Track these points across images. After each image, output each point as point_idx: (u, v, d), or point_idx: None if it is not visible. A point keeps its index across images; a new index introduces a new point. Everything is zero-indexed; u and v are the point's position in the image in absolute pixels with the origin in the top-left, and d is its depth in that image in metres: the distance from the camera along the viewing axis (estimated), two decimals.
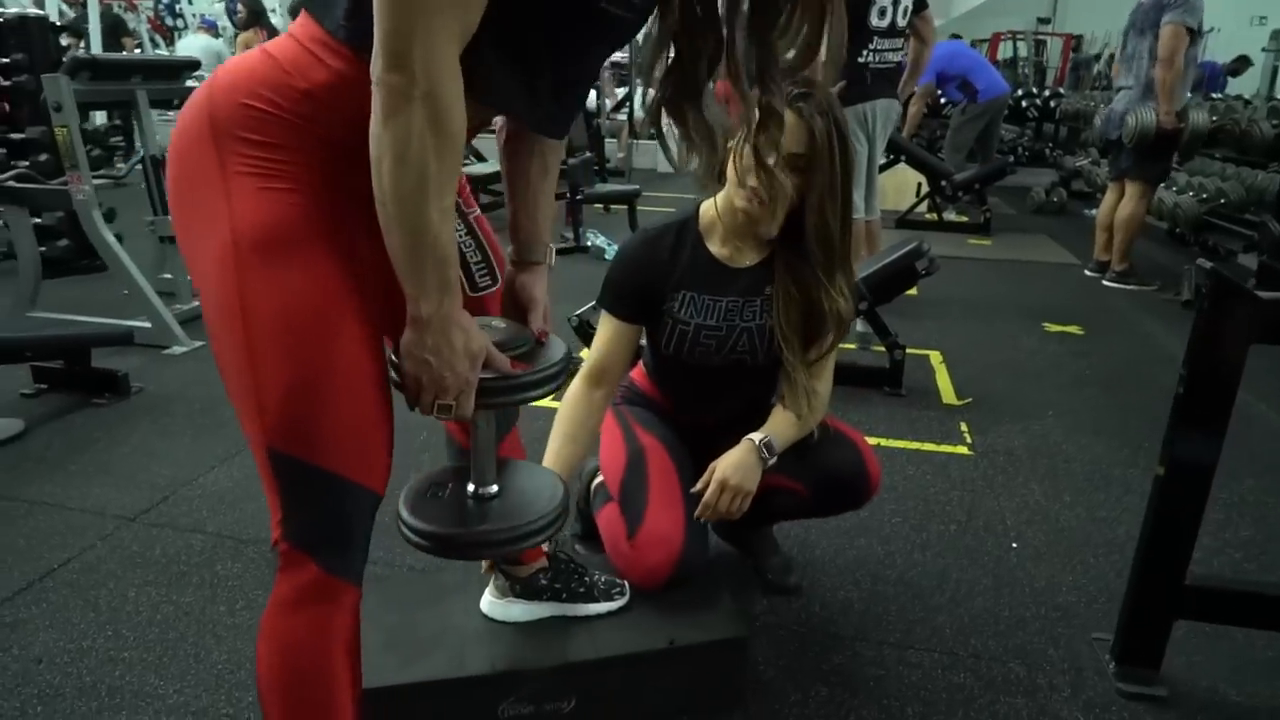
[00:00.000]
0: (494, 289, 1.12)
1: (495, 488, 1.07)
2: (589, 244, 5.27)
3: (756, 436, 1.56)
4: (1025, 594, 1.87)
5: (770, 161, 1.35)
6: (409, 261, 0.81)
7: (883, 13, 3.66)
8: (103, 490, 2.21)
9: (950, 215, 6.35)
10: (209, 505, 2.16)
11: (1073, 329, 3.90)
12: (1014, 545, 2.07)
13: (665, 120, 0.98)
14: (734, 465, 1.55)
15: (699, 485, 1.57)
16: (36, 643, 1.63)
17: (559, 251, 5.22)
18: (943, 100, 7.75)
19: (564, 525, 1.07)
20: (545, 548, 1.52)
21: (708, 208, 1.62)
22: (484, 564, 1.51)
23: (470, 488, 1.07)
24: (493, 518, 1.04)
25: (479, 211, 1.16)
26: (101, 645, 1.63)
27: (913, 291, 4.46)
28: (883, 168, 6.80)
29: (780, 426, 1.57)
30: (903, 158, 6.09)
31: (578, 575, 1.53)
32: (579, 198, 5.32)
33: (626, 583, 1.56)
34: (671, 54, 0.92)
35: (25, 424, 2.57)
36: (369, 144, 0.77)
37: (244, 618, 1.72)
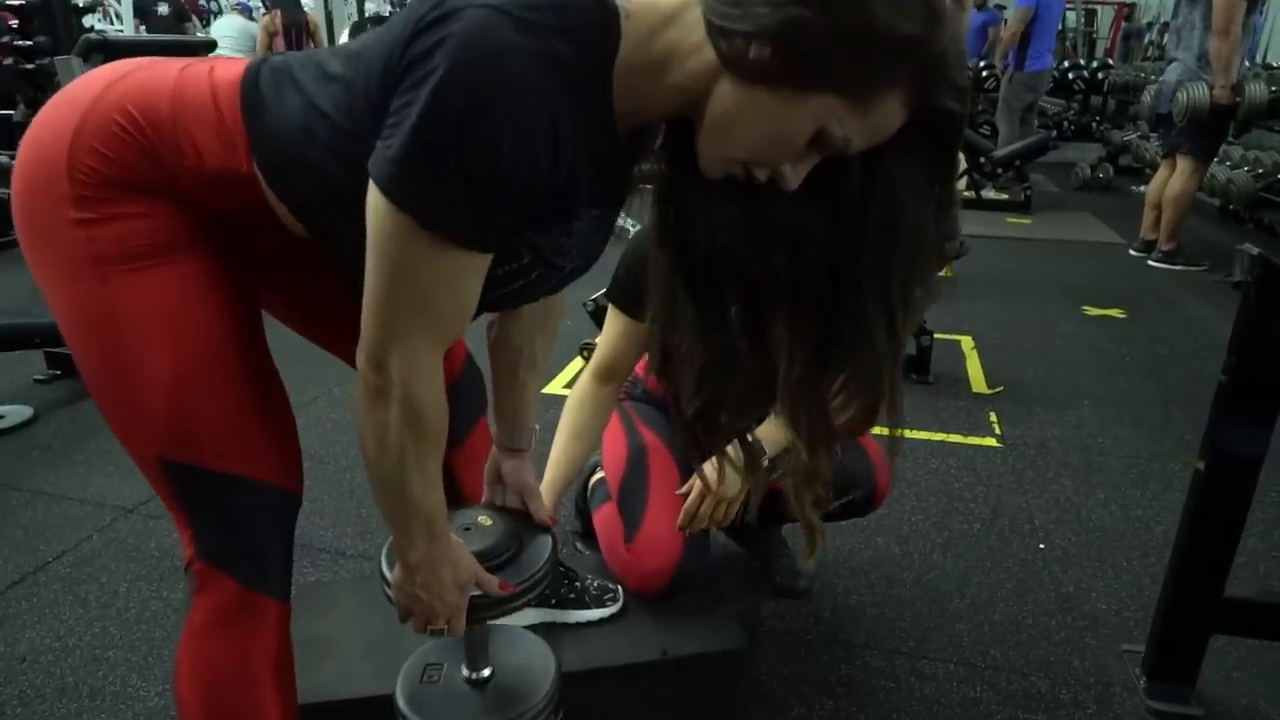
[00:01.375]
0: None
1: (489, 670, 1.10)
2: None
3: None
4: (1051, 600, 1.75)
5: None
6: (395, 521, 0.83)
7: None
8: (105, 480, 2.18)
9: (989, 193, 6.12)
10: None
11: (1114, 312, 3.72)
12: (1041, 546, 1.95)
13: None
14: (719, 470, 1.45)
15: (683, 489, 1.48)
16: (23, 640, 1.61)
17: None
18: (983, 69, 7.48)
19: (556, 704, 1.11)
20: None
21: None
22: None
23: (464, 671, 1.10)
24: (490, 709, 1.08)
25: None
26: (87, 643, 1.60)
27: (946, 272, 4.31)
28: None
29: (776, 431, 1.46)
30: None
31: (568, 580, 1.45)
32: None
33: (620, 588, 1.48)
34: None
35: (35, 410, 2.57)
36: (358, 415, 0.78)
37: None
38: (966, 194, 6.04)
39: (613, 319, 1.54)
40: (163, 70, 0.83)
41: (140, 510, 2.05)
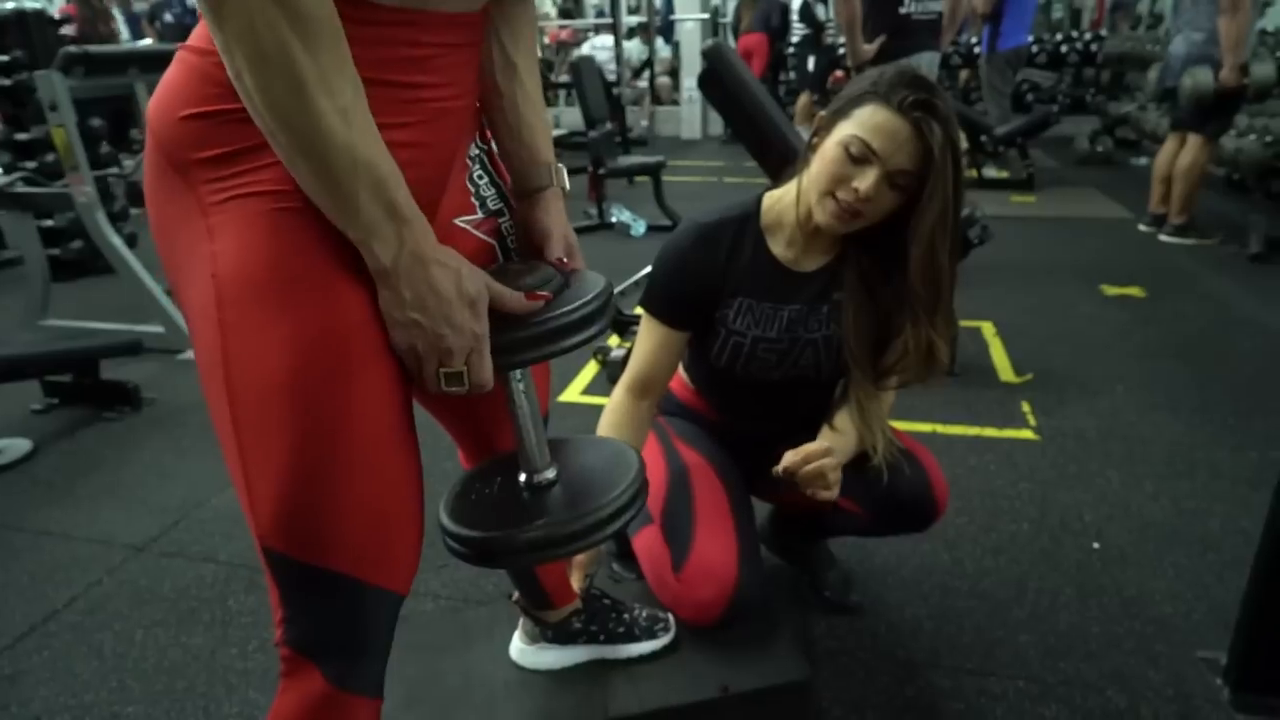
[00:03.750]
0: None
1: (552, 472, 0.87)
2: (614, 220, 5.07)
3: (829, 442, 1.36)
4: (1114, 605, 1.68)
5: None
6: (331, 194, 0.63)
7: None
8: (112, 516, 2.08)
9: (990, 172, 6.04)
10: (222, 529, 2.02)
11: (1133, 291, 3.64)
12: (1095, 546, 1.87)
13: None
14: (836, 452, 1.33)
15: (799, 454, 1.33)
16: (36, 698, 1.51)
17: (581, 230, 5.05)
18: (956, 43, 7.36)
19: (643, 502, 0.87)
20: (575, 585, 1.35)
21: (773, 202, 1.41)
22: (511, 596, 1.34)
23: (522, 477, 0.86)
24: (554, 509, 0.83)
25: (495, 147, 0.94)
26: (105, 699, 1.51)
27: None
28: None
29: (840, 443, 1.38)
30: None
31: (615, 613, 1.36)
32: (602, 172, 5.11)
33: (670, 616, 1.40)
34: None
35: (34, 444, 2.46)
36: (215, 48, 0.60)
37: (257, 661, 1.59)
38: (968, 173, 5.96)
39: (649, 329, 1.45)
40: (169, 71, 0.72)
41: (151, 548, 1.96)
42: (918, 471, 1.41)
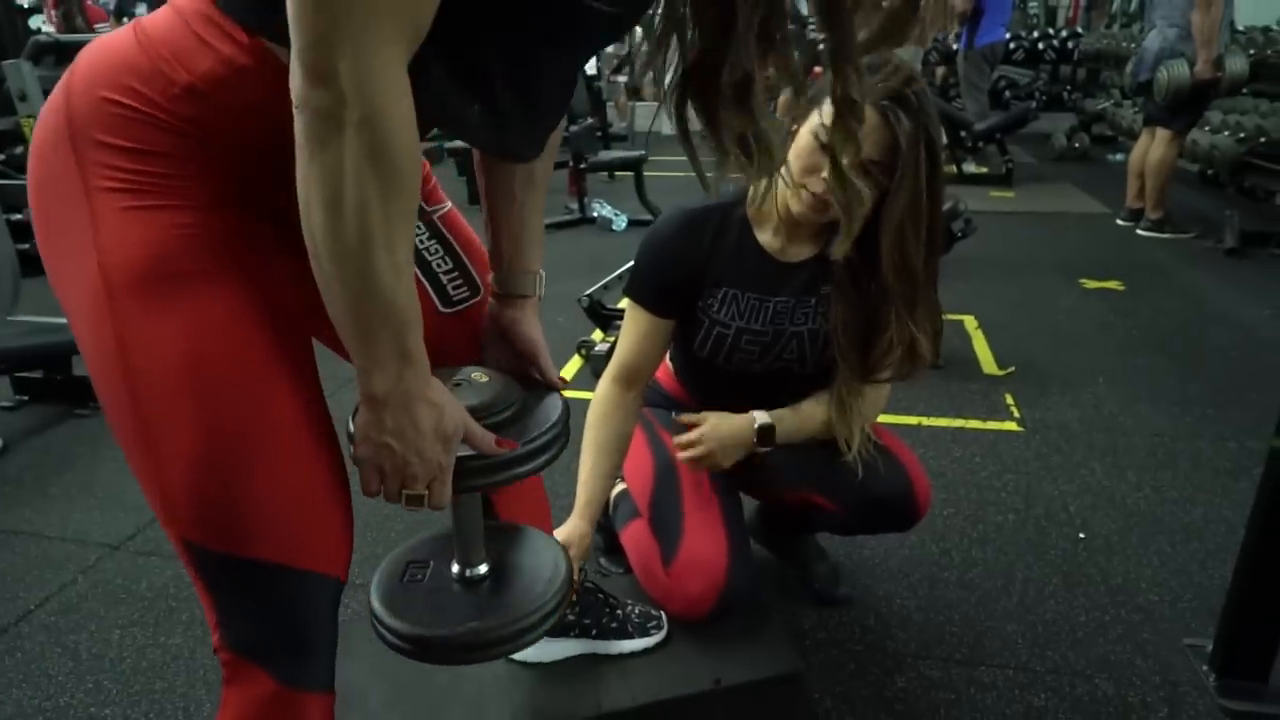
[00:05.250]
0: (473, 301, 0.93)
1: (485, 567, 0.90)
2: (595, 215, 5.04)
3: (760, 418, 1.39)
4: (1101, 594, 1.68)
5: (846, 164, 1.11)
6: (356, 330, 0.63)
7: None
8: (85, 515, 2.04)
9: (970, 167, 6.08)
10: None
11: (1112, 284, 3.67)
12: (1081, 536, 1.88)
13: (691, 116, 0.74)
14: (722, 436, 1.39)
15: (686, 419, 1.43)
16: (9, 700, 1.47)
17: (562, 225, 5.03)
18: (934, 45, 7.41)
19: (566, 606, 0.92)
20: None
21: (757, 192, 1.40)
22: None
23: (455, 568, 0.89)
24: (484, 608, 0.86)
25: (448, 207, 0.95)
26: (81, 700, 1.47)
27: None
28: None
29: (792, 419, 1.38)
30: None
31: (608, 609, 1.35)
32: (583, 166, 5.09)
33: (663, 614, 1.38)
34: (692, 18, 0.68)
35: (3, 441, 2.40)
36: (296, 172, 0.58)
37: None
38: (947, 169, 5.99)
39: (634, 317, 1.43)
40: (116, 34, 0.70)
41: (127, 546, 1.91)
42: (896, 470, 1.40)
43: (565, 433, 0.84)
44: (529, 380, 0.91)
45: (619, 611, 1.35)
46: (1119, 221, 4.71)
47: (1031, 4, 11.68)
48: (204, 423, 0.67)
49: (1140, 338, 3.08)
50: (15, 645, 1.61)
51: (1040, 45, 8.26)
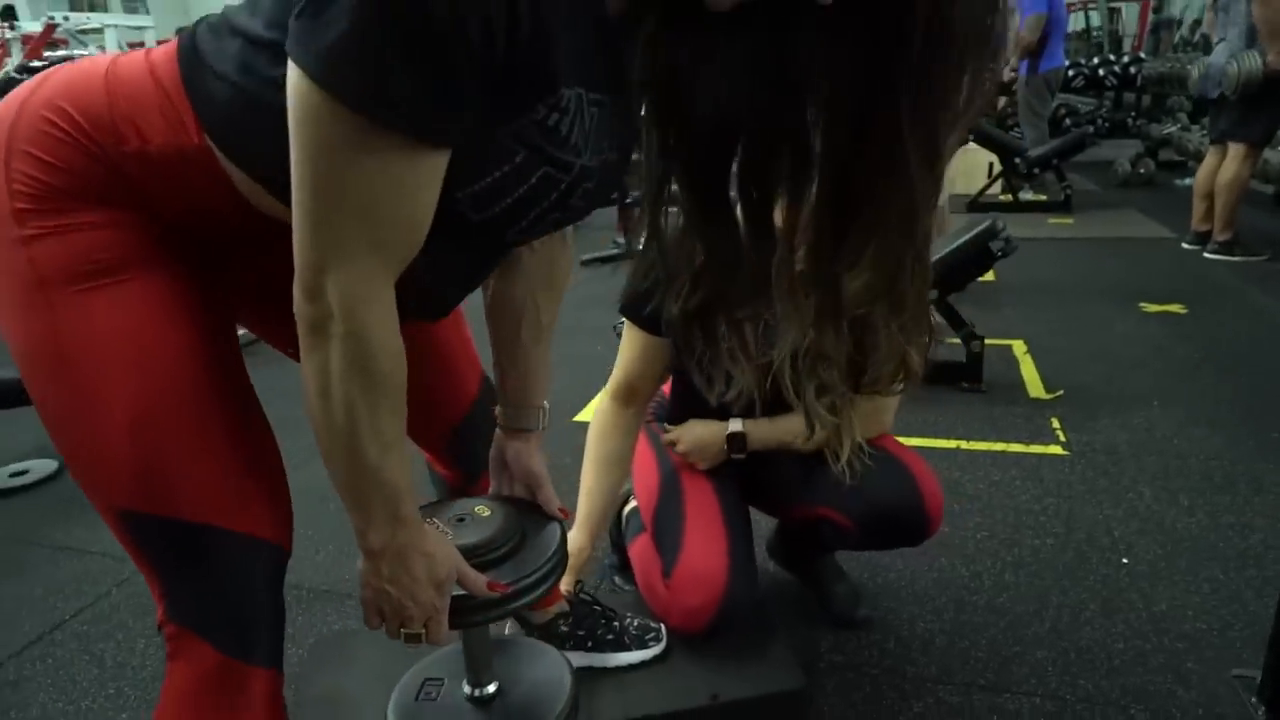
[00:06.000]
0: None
1: (494, 686, 0.99)
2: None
3: (732, 425, 1.40)
4: (1143, 621, 1.58)
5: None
6: (350, 496, 0.71)
7: None
8: None
9: (1027, 195, 5.93)
10: None
11: (1174, 308, 3.51)
12: (1124, 561, 1.78)
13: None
14: (694, 443, 1.43)
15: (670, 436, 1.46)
16: (34, 703, 1.52)
17: (607, 259, 5.08)
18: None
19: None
20: (564, 588, 1.32)
21: None
22: None
23: (466, 688, 0.99)
24: None
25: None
26: (101, 705, 1.51)
27: (989, 277, 4.15)
28: None
29: (767, 428, 1.36)
30: (970, 136, 5.71)
31: (604, 620, 1.32)
32: (629, 202, 5.13)
33: (662, 626, 1.35)
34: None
35: (59, 463, 2.51)
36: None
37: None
38: (1003, 197, 5.87)
39: (630, 336, 1.43)
40: (93, 63, 0.74)
41: None
42: (905, 480, 1.35)
43: (560, 564, 0.90)
44: (533, 507, 0.98)
45: (616, 624, 1.33)
46: (1184, 245, 4.52)
47: (1095, 32, 11.46)
48: (136, 388, 0.71)
49: (1201, 361, 2.92)
50: (47, 653, 1.67)
51: (1101, 71, 8.06)
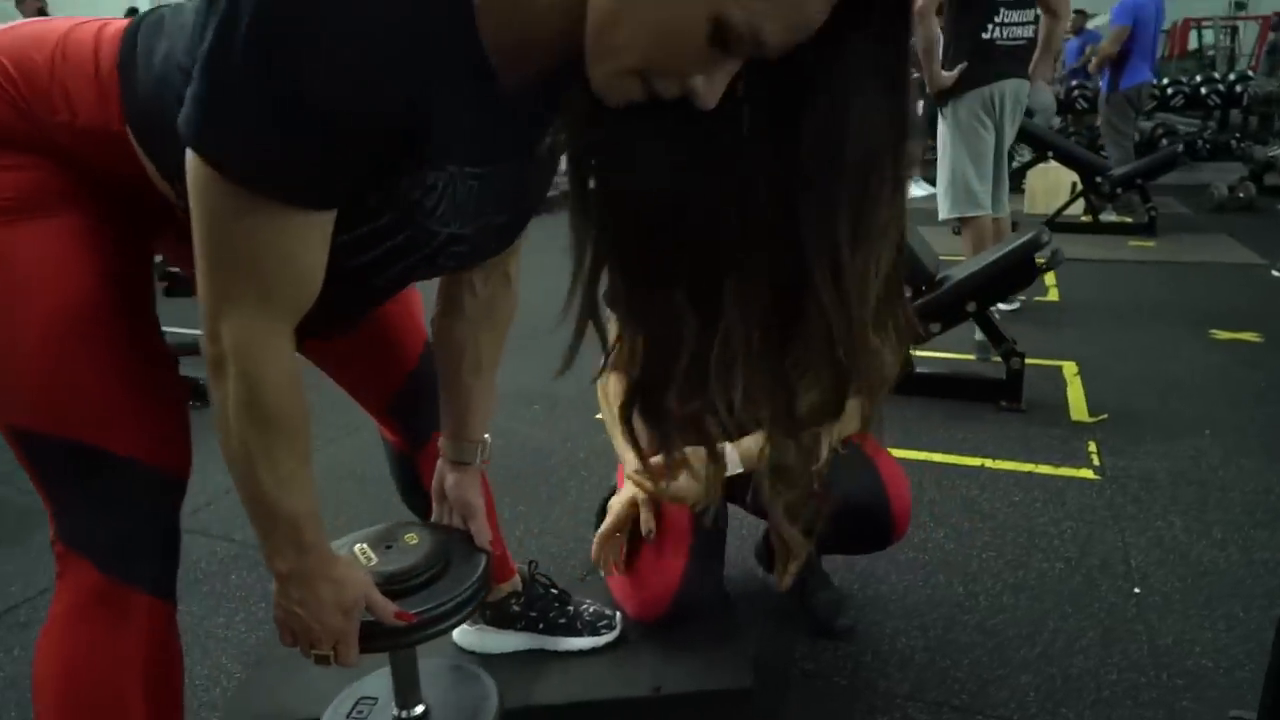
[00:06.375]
0: None
1: (421, 708, 1.03)
2: None
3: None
4: (1142, 654, 1.48)
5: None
6: (254, 522, 0.75)
7: None
8: None
9: (1110, 217, 5.66)
10: (244, 513, 2.11)
11: (1248, 336, 3.30)
12: (1136, 591, 1.67)
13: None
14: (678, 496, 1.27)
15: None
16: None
17: None
18: (1074, 87, 7.03)
19: None
20: (518, 568, 1.32)
21: None
22: None
23: (394, 710, 1.03)
24: None
25: None
26: None
27: (1052, 296, 3.99)
28: (1030, 165, 6.26)
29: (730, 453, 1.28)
30: (1050, 154, 5.50)
31: (558, 604, 1.32)
32: None
33: (618, 615, 1.34)
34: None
35: None
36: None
37: (238, 631, 1.63)
38: (1084, 218, 5.61)
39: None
40: (51, 25, 0.79)
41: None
42: (871, 480, 1.30)
43: (477, 596, 0.93)
44: (467, 536, 1.01)
45: (569, 608, 1.32)
46: (1275, 273, 4.24)
47: (1209, 51, 10.89)
48: (48, 308, 0.75)
49: (1267, 391, 2.73)
50: None
51: (1203, 90, 7.64)
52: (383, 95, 0.59)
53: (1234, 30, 11.57)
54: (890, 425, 2.51)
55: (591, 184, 0.64)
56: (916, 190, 6.71)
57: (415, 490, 1.17)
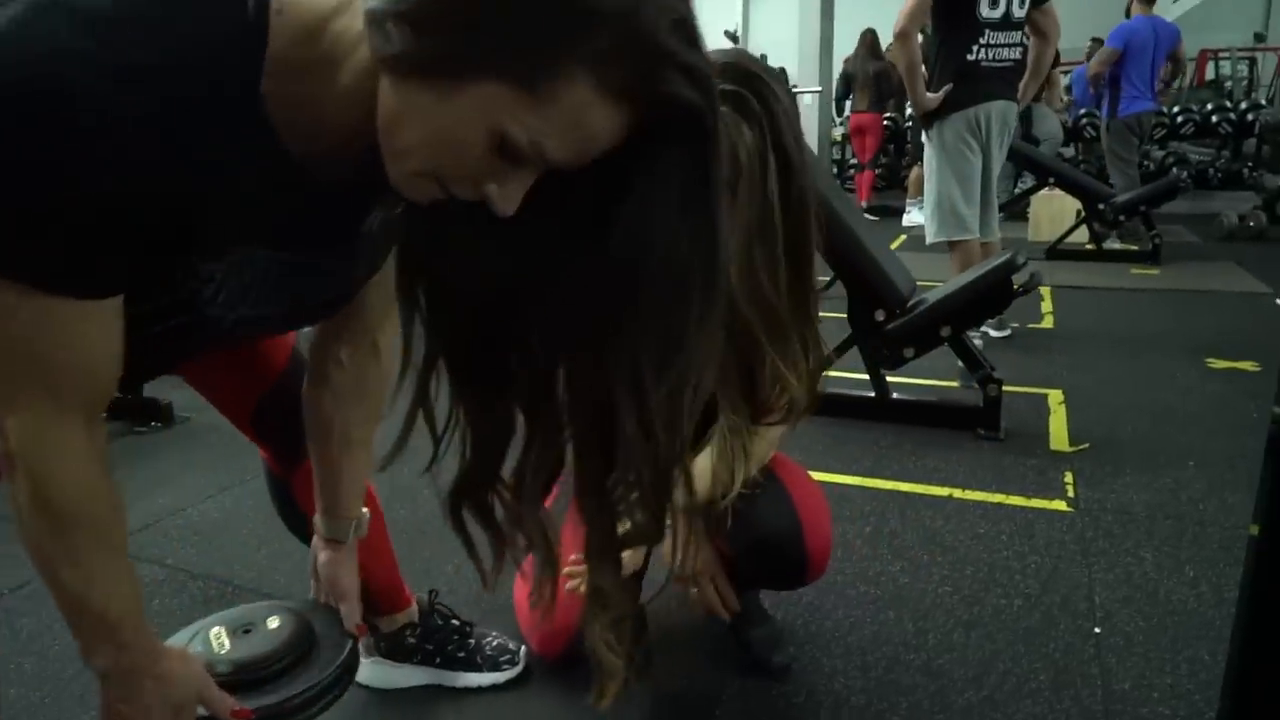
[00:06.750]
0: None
1: None
2: None
3: None
4: (1095, 699, 1.38)
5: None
6: (67, 619, 0.71)
7: (994, 2, 3.19)
8: None
9: (1114, 244, 5.56)
10: (185, 536, 2.06)
11: (1245, 365, 3.18)
12: (1096, 630, 1.57)
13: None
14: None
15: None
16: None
17: None
18: (1082, 115, 6.98)
19: None
20: (416, 597, 1.25)
21: None
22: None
23: None
24: None
25: None
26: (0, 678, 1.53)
27: (1047, 323, 3.89)
28: (1031, 191, 6.18)
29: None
30: (1051, 180, 5.42)
31: (458, 636, 1.25)
32: None
33: (523, 649, 1.26)
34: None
35: None
36: None
37: None
38: (1088, 246, 5.52)
39: None
40: None
41: None
42: (786, 514, 1.22)
43: (334, 688, 0.87)
44: (334, 620, 0.96)
45: (470, 641, 1.25)
46: (1279, 301, 4.12)
47: (1227, 83, 10.78)
48: None
49: (1261, 422, 2.61)
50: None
51: (1215, 118, 7.53)
52: (147, 186, 0.56)
53: (1252, 61, 11.46)
54: (860, 453, 2.43)
55: (412, 275, 0.64)
56: (916, 217, 6.65)
57: (293, 514, 1.11)
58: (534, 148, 0.52)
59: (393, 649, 1.22)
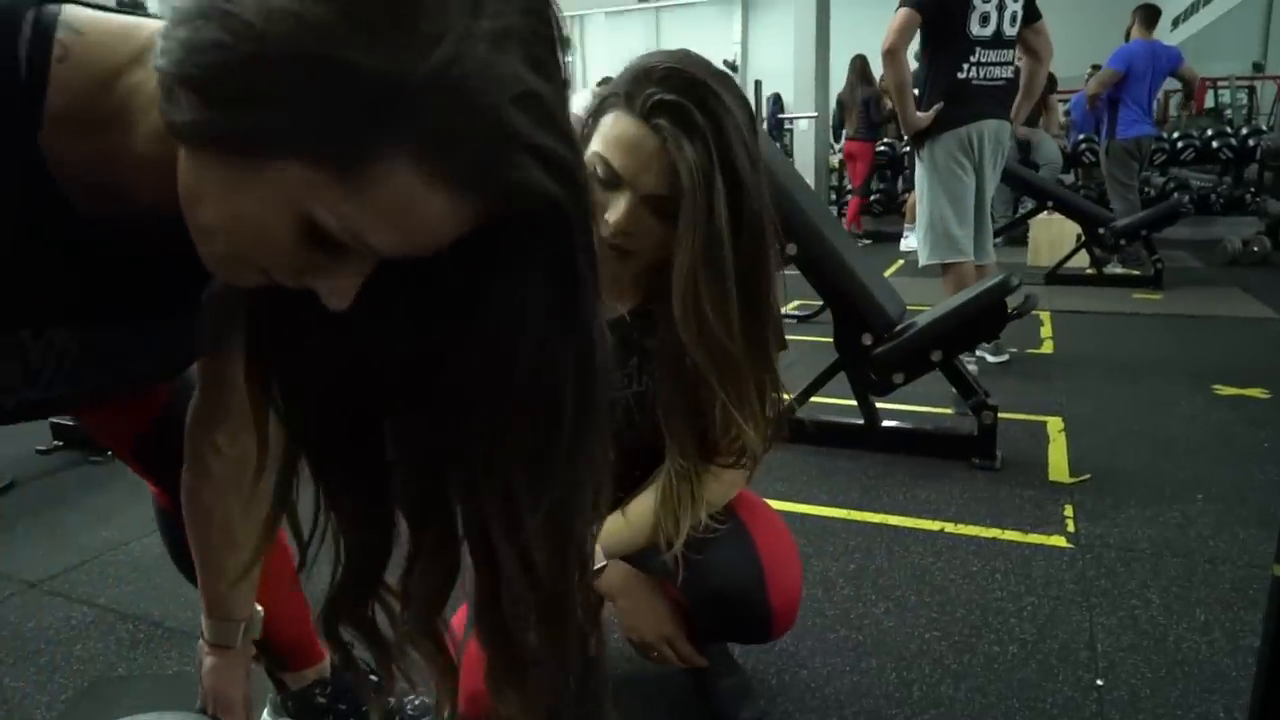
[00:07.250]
0: None
1: None
2: None
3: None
4: None
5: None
6: None
7: (985, 20, 3.11)
8: (31, 553, 2.03)
9: (1116, 269, 5.44)
10: (119, 574, 1.93)
11: (1253, 392, 3.04)
12: (1099, 683, 1.42)
13: None
14: (605, 546, 1.09)
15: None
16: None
17: None
18: (1081, 141, 6.91)
19: None
20: (328, 652, 1.12)
21: None
22: None
23: None
24: None
25: None
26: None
27: (1046, 349, 3.77)
28: (1029, 215, 6.08)
29: (615, 535, 1.07)
30: (1050, 204, 5.32)
31: (375, 694, 1.11)
32: None
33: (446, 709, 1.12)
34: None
35: (13, 478, 2.50)
36: None
37: (59, 711, 1.43)
38: (1089, 271, 5.40)
39: None
40: None
41: (44, 585, 1.88)
42: (748, 564, 1.08)
43: None
44: None
45: (389, 700, 1.11)
46: None
47: (1227, 110, 10.74)
48: None
49: (1272, 452, 2.48)
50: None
51: (1215, 144, 7.45)
52: None
53: (1251, 90, 11.44)
54: (846, 483, 2.29)
55: (260, 361, 0.55)
56: (913, 242, 6.55)
57: (183, 554, 0.98)
58: (353, 238, 0.43)
59: (300, 709, 1.09)
